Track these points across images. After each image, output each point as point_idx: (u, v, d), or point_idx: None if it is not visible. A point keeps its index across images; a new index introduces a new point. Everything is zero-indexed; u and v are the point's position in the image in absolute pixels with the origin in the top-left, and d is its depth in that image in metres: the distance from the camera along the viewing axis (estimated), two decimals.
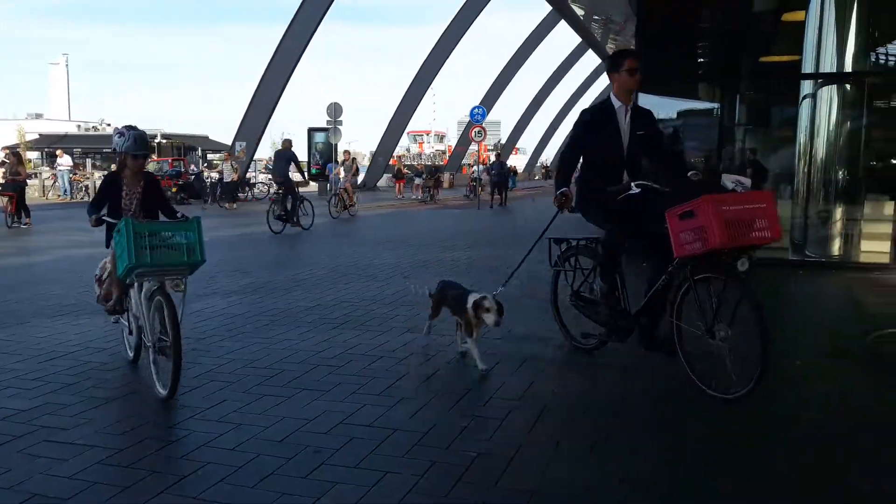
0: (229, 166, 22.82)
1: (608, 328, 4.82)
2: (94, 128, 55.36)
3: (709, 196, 3.94)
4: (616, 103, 4.69)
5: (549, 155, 64.67)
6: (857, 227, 9.95)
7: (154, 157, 31.38)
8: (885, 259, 9.26)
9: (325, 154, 24.98)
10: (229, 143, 27.98)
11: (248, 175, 28.11)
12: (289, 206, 14.37)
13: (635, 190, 4.55)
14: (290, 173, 15.08)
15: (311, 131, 27.88)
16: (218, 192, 23.37)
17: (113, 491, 2.99)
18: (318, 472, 3.18)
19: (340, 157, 20.93)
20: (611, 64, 4.79)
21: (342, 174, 19.52)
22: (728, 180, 4.61)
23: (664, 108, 13.21)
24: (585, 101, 58.58)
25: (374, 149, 34.94)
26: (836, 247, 9.65)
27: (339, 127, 22.55)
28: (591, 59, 46.30)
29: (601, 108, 4.81)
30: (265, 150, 53.28)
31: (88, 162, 35.70)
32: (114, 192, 4.68)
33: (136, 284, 4.32)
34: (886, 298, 7.44)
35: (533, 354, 5.16)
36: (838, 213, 10.27)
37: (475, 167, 29.16)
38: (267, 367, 4.80)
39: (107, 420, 3.83)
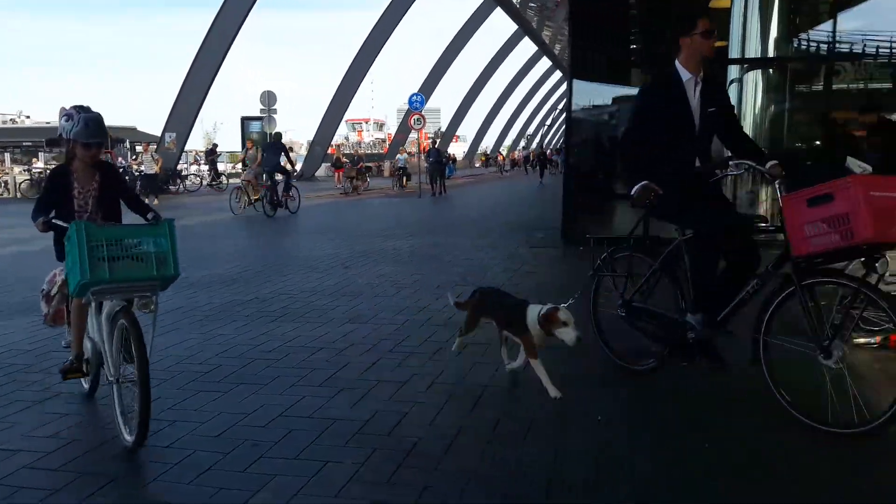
0: (149, 157, 21.35)
1: (673, 345, 4.02)
2: (13, 120, 52.85)
3: (857, 176, 3.27)
4: (684, 74, 3.91)
5: (488, 142, 65.02)
6: (777, 206, 10.33)
7: None
8: None
9: (259, 144, 24.45)
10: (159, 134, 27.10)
11: (179, 167, 27.31)
12: (280, 191, 16.00)
13: (736, 171, 3.81)
14: (280, 162, 16.36)
15: (245, 120, 27.26)
16: (137, 186, 21.08)
17: (40, 495, 2.88)
18: (257, 465, 3.13)
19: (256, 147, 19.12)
20: (679, 26, 3.95)
21: (246, 165, 17.58)
22: (854, 165, 3.83)
23: (597, 94, 13.46)
24: (523, 89, 59.14)
25: (311, 138, 34.38)
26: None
27: (274, 115, 22.12)
28: (527, 47, 46.73)
29: (666, 79, 3.99)
30: (197, 141, 51.97)
31: (7, 156, 34.07)
32: (63, 190, 3.77)
33: (93, 304, 3.62)
34: None
35: (472, 339, 5.17)
36: (764, 193, 10.65)
37: (398, 157, 28.69)
38: (202, 362, 4.69)
39: (32, 423, 3.67)
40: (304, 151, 38.76)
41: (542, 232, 11.86)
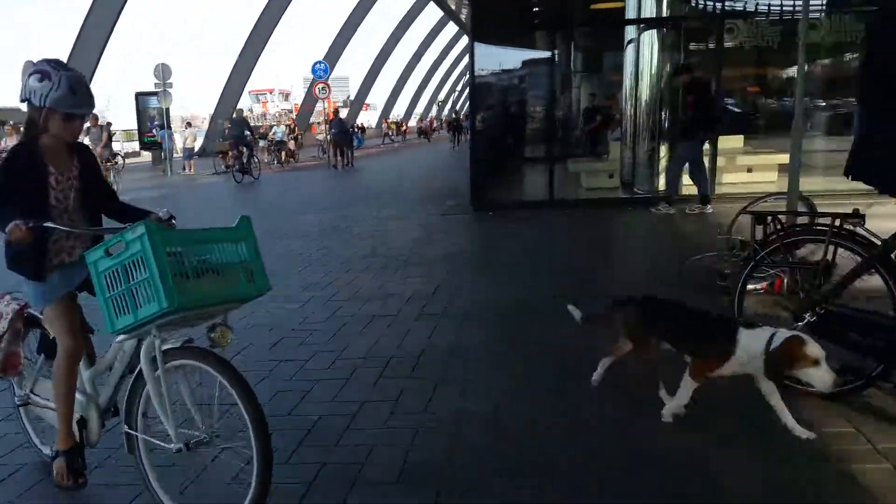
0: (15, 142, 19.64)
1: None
2: None
3: None
4: None
5: (399, 110, 64.39)
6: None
7: None
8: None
9: (158, 120, 23.25)
10: None
11: None
12: (244, 161, 18.52)
13: None
14: (245, 135, 19.02)
15: (140, 96, 25.81)
16: None
17: None
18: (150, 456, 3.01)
19: (88, 124, 16.27)
20: None
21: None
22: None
23: (501, 58, 13.48)
24: (432, 55, 58.71)
25: (212, 111, 33.04)
26: (661, 183, 10.32)
27: (170, 90, 21.09)
28: (434, 12, 46.29)
29: None
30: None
31: None
32: (35, 178, 2.64)
33: (126, 342, 2.65)
34: (701, 227, 8.07)
35: (379, 312, 5.15)
36: (662, 151, 10.98)
37: (275, 129, 27.08)
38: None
39: None
40: (205, 126, 37.19)
41: (452, 199, 11.86)
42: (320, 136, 30.08)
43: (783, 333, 2.77)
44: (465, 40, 57.78)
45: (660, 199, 9.61)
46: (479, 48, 11.31)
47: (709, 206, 9.00)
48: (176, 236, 2.44)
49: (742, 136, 11.69)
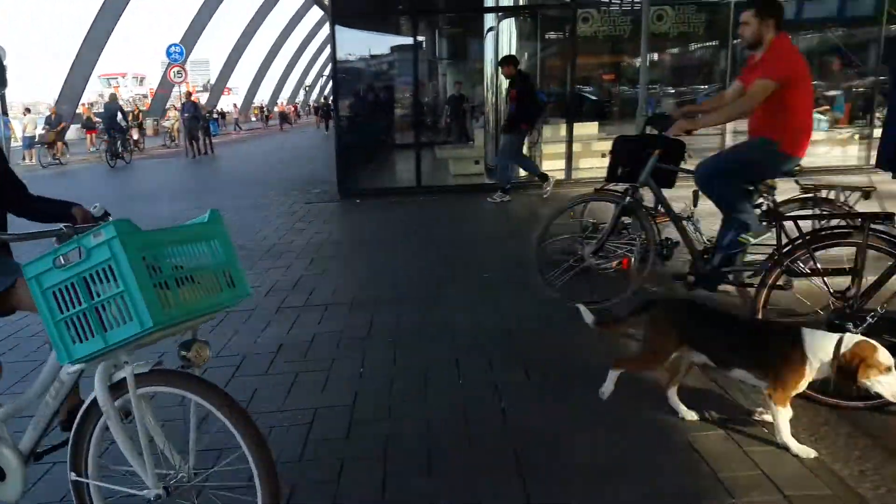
0: None
1: None
2: None
3: None
4: None
5: (264, 95, 62.32)
6: (539, 148, 11.02)
7: None
8: (561, 175, 10.44)
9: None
10: None
11: None
12: (118, 145, 19.18)
13: None
14: (118, 120, 19.74)
15: None
16: None
17: None
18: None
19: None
20: None
21: None
22: None
23: (364, 41, 13.32)
24: (297, 38, 57.20)
25: (57, 96, 30.49)
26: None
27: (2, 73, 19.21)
28: None
29: None
30: None
31: None
32: None
33: (67, 373, 2.20)
34: (558, 209, 8.36)
35: (235, 307, 4.94)
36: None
37: (77, 110, 24.65)
38: None
39: None
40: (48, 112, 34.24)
41: (318, 187, 11.63)
42: (167, 123, 28.31)
43: (851, 338, 2.57)
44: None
45: (495, 189, 9.68)
46: (341, 32, 11.10)
47: (551, 180, 9.36)
48: (150, 238, 1.98)
49: (597, 123, 12.21)
